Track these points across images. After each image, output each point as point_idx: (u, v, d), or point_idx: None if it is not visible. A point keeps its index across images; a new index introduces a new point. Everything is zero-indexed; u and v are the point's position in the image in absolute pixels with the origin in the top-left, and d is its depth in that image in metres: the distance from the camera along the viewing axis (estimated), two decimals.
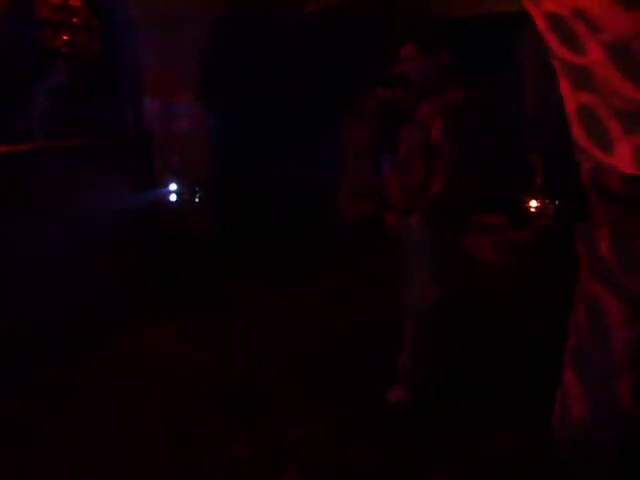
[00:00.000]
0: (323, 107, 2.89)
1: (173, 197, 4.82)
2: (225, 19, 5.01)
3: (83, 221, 3.99)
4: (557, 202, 5.61)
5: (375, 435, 2.89)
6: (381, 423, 2.97)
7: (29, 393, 3.25)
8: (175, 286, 4.62)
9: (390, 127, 3.10)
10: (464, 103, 2.88)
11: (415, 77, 2.96)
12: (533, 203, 5.98)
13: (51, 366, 3.49)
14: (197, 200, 5.03)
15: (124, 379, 3.42)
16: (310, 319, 4.21)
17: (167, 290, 4.58)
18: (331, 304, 4.43)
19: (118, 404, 3.16)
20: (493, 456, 2.70)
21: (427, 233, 2.96)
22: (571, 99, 2.02)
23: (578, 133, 2.02)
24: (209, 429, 2.94)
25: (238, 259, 5.21)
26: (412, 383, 3.11)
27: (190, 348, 3.81)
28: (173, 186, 4.84)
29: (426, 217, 2.93)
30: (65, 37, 6.50)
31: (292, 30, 5.66)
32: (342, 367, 3.51)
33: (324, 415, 3.02)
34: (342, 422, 2.96)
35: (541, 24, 1.96)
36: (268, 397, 3.24)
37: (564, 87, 2.03)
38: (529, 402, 2.93)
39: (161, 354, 3.73)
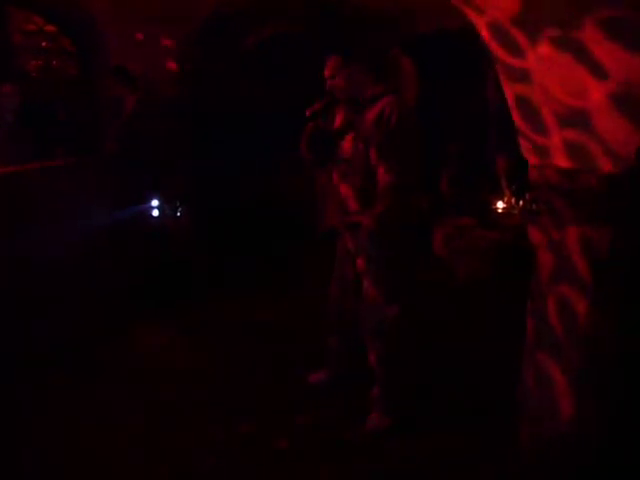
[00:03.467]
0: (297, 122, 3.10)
1: (155, 212, 4.92)
2: (196, 48, 5.32)
3: (70, 235, 4.13)
4: (521, 202, 5.91)
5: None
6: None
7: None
8: (159, 296, 4.67)
9: (325, 145, 3.07)
10: (396, 107, 2.81)
11: (343, 86, 2.95)
12: (500, 204, 6.28)
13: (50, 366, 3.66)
14: (178, 215, 5.14)
15: (112, 381, 3.58)
16: (293, 326, 4.33)
17: (152, 299, 4.64)
18: (311, 311, 4.56)
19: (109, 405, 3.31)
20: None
21: (378, 245, 2.88)
22: (508, 91, 2.29)
23: (517, 118, 2.29)
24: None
25: (219, 269, 5.37)
26: (388, 408, 2.99)
27: (177, 352, 3.96)
28: (155, 202, 4.94)
29: (377, 226, 2.83)
30: (39, 62, 6.64)
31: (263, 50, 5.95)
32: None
33: (305, 429, 3.02)
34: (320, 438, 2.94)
35: (485, 34, 2.22)
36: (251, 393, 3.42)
37: (503, 82, 2.30)
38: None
39: (147, 358, 3.87)
